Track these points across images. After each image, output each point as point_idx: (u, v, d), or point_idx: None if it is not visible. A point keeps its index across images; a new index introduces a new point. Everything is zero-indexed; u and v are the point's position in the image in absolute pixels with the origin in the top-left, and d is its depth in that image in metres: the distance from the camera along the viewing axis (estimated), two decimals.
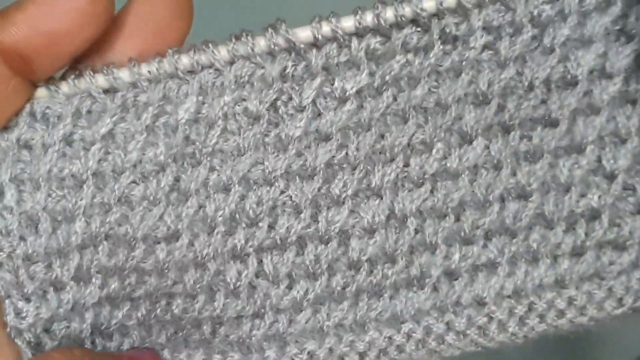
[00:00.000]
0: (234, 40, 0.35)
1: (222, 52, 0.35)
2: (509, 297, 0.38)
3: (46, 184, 0.34)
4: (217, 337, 0.38)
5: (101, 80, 0.35)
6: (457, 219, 0.37)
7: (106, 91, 0.35)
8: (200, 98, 0.35)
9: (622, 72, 0.36)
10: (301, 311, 0.38)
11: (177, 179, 0.36)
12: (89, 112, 0.35)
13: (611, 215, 0.38)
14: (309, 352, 0.37)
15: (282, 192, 0.37)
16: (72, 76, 0.35)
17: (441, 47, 0.35)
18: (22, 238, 0.34)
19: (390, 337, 0.38)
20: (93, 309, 0.36)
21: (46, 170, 0.34)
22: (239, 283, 0.37)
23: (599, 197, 0.37)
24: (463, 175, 0.37)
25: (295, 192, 0.37)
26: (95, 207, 0.35)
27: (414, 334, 0.38)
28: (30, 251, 0.34)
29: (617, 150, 0.37)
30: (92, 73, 0.34)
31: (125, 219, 0.36)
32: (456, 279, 0.38)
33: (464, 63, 0.36)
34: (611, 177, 0.37)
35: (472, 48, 0.36)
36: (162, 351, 0.38)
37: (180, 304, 0.37)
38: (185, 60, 0.35)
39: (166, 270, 0.37)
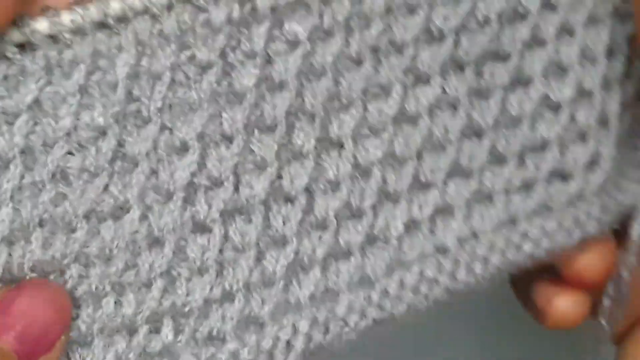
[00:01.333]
0: None
1: None
2: (468, 240, 0.37)
3: None
4: (181, 336, 0.32)
5: (15, 35, 0.29)
6: (418, 164, 0.36)
7: (21, 49, 0.29)
8: (140, 49, 0.30)
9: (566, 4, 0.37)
10: (273, 285, 0.34)
11: (121, 144, 0.31)
12: (4, 77, 0.29)
13: (559, 145, 0.38)
14: (293, 326, 0.34)
15: (244, 147, 0.33)
16: None
17: None
18: None
19: (368, 297, 0.35)
20: None
21: None
22: (205, 257, 0.32)
23: (548, 128, 0.38)
24: (422, 118, 0.35)
25: (259, 145, 0.33)
26: (24, 189, 0.29)
27: (389, 290, 0.35)
28: None
29: (561, 82, 0.37)
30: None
31: (62, 197, 0.30)
32: (416, 228, 0.36)
33: None
34: (557, 108, 0.38)
35: None
36: None
37: (133, 298, 0.31)
38: (115, 6, 0.30)
39: (115, 252, 0.31)
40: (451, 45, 0.35)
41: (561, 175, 0.38)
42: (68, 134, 0.30)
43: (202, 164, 0.32)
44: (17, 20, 0.28)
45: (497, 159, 0.37)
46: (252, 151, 0.33)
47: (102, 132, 0.30)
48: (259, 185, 0.33)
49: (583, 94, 0.38)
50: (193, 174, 0.32)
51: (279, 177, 0.33)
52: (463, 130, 0.36)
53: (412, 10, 0.34)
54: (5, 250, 0.29)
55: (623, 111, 0.39)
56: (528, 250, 0.38)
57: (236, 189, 0.33)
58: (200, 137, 0.32)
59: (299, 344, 0.34)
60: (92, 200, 0.30)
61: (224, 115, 0.32)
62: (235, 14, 0.31)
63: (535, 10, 0.36)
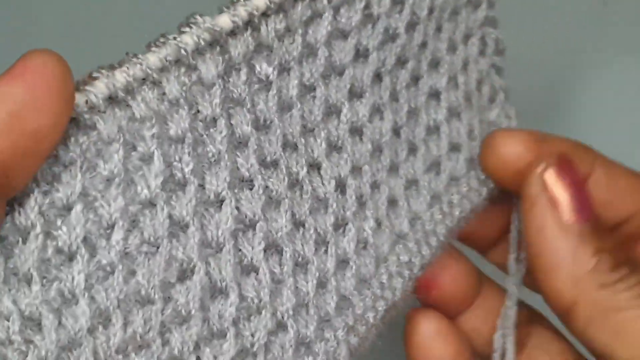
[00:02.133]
0: (160, 45, 0.32)
1: (154, 61, 0.31)
2: (415, 221, 0.43)
3: (37, 272, 0.28)
4: None
5: None
6: (371, 168, 0.40)
7: None
8: (156, 117, 0.31)
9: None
10: (309, 304, 0.37)
11: (170, 210, 0.32)
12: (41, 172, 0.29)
13: (447, 124, 0.45)
14: (335, 337, 0.38)
15: (264, 186, 0.35)
16: None
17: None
18: (29, 342, 0.27)
19: (372, 293, 0.40)
20: None
21: (35, 258, 0.28)
22: (260, 295, 0.34)
23: (435, 112, 0.45)
24: (365, 127, 0.40)
25: (272, 181, 0.36)
26: (94, 276, 0.29)
27: (384, 281, 0.40)
28: (43, 354, 0.28)
29: (437, 72, 0.45)
30: None
31: (132, 274, 0.30)
32: (383, 224, 0.41)
33: (351, 25, 0.38)
34: (437, 94, 0.45)
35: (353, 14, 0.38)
36: None
37: (210, 352, 0.33)
38: (120, 78, 0.30)
39: (191, 314, 0.32)
40: (375, 59, 0.40)
41: (454, 147, 0.45)
42: (122, 213, 0.30)
43: (237, 210, 0.34)
44: None
45: (412, 149, 0.43)
46: (268, 188, 0.35)
47: (151, 204, 0.31)
48: (282, 219, 0.35)
49: (450, 80, 0.45)
50: (235, 220, 0.33)
51: (292, 206, 0.36)
52: (393, 130, 0.42)
53: (345, 35, 0.38)
54: (90, 341, 0.29)
55: (479, 85, 0.47)
56: (458, 213, 0.44)
57: (268, 226, 0.35)
58: (230, 185, 0.33)
59: (343, 351, 0.37)
60: (162, 269, 0.31)
61: (239, 160, 0.34)
62: (220, 67, 0.33)
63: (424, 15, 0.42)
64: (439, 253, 0.43)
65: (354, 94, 0.39)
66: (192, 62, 0.32)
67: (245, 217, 0.34)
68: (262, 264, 0.35)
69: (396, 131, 0.42)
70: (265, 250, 0.35)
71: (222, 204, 0.33)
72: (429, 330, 0.44)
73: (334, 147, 0.38)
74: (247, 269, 0.34)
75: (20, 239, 0.28)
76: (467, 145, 0.46)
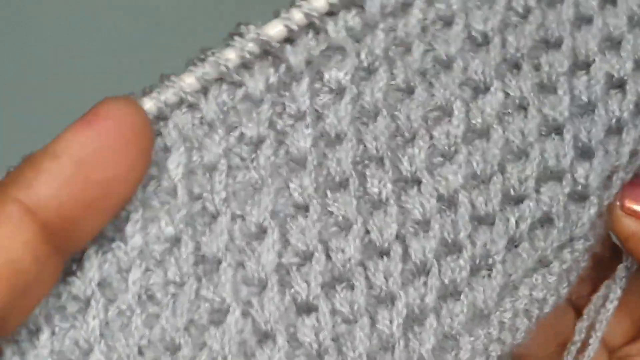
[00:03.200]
0: (198, 63, 0.29)
1: (189, 81, 0.29)
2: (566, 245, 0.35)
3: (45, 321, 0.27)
4: None
5: None
6: (504, 178, 0.33)
7: None
8: (188, 144, 0.29)
9: None
10: (394, 348, 0.31)
11: (197, 246, 0.29)
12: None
13: (632, 123, 0.35)
14: None
15: (322, 212, 0.30)
16: None
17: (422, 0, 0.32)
18: None
19: (488, 333, 0.33)
20: None
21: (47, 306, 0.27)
22: (321, 338, 0.30)
23: (619, 106, 0.35)
24: (493, 128, 0.33)
25: (336, 206, 0.31)
26: (112, 322, 0.28)
27: (505, 320, 0.34)
28: None
29: (618, 55, 0.35)
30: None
31: (154, 318, 0.28)
32: (517, 246, 0.33)
33: (453, 7, 0.32)
34: (622, 84, 0.35)
35: None
36: None
37: None
38: (149, 105, 0.28)
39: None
40: (499, 45, 0.33)
41: (633, 154, 0.36)
42: (141, 252, 0.28)
43: (285, 242, 0.30)
44: None
45: (583, 151, 0.34)
46: (331, 213, 0.31)
47: (176, 240, 0.29)
48: (350, 247, 0.31)
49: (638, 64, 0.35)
50: (279, 255, 0.30)
51: (367, 232, 0.31)
52: (540, 130, 0.34)
53: (448, 22, 0.32)
54: None
55: None
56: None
57: (328, 257, 0.31)
58: (274, 214, 0.30)
59: None
60: (188, 309, 0.28)
61: (291, 185, 0.30)
62: (272, 79, 0.30)
63: None
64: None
65: (473, 89, 0.33)
66: (236, 79, 0.29)
67: (297, 249, 0.30)
68: (322, 301, 0.30)
69: (555, 129, 0.34)
70: (325, 286, 0.30)
71: (264, 236, 0.30)
72: None
73: (442, 157, 0.33)
74: (304, 309, 0.30)
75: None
76: None
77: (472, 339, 0.33)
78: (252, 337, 0.29)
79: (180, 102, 0.29)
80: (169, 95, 0.28)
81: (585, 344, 0.39)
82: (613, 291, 0.39)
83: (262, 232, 0.30)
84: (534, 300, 0.34)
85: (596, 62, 0.34)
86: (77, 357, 0.27)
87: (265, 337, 0.29)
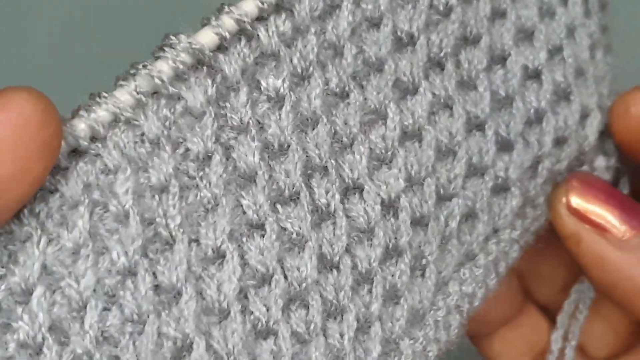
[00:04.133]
0: (130, 78, 0.27)
1: (124, 98, 0.27)
2: (490, 237, 0.36)
3: None
4: None
5: None
6: (436, 179, 0.33)
7: None
8: (132, 165, 0.26)
9: None
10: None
11: (154, 278, 0.27)
12: None
13: (552, 111, 0.36)
14: None
15: (278, 230, 0.29)
16: None
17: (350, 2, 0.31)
18: None
19: (425, 334, 0.33)
20: None
21: None
22: None
23: (537, 97, 0.36)
24: (425, 129, 0.33)
25: (290, 222, 0.29)
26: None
27: (439, 319, 0.34)
28: None
29: (532, 46, 0.36)
30: None
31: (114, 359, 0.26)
32: (448, 242, 0.34)
33: (381, 8, 0.32)
34: (536, 75, 0.36)
35: None
36: None
37: None
38: (82, 127, 0.26)
39: None
40: (425, 45, 0.33)
41: (560, 142, 0.37)
42: (95, 290, 0.25)
43: (243, 265, 0.28)
44: None
45: (503, 145, 0.35)
46: (285, 230, 0.29)
47: (131, 273, 0.26)
48: (307, 265, 0.29)
49: (553, 52, 0.36)
50: (240, 280, 0.28)
51: (320, 246, 0.30)
52: (466, 128, 0.34)
53: (376, 23, 0.32)
54: None
55: (592, 52, 0.38)
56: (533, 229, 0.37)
57: (285, 277, 0.29)
58: (231, 236, 0.28)
59: None
60: (151, 350, 0.26)
61: (244, 202, 0.28)
62: (210, 90, 0.28)
63: None
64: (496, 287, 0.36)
65: (404, 91, 0.33)
66: (173, 92, 0.27)
67: (256, 271, 0.29)
68: (281, 325, 0.29)
69: (478, 126, 0.35)
70: (284, 309, 0.29)
71: (223, 260, 0.28)
72: None
73: (380, 162, 0.32)
74: (263, 335, 0.29)
75: None
76: (575, 138, 0.37)
77: (411, 341, 0.32)
78: None
79: (116, 121, 0.27)
80: (101, 113, 0.26)
81: (562, 353, 0.39)
82: (582, 300, 0.39)
83: (219, 256, 0.28)
84: (464, 295, 0.34)
85: (512, 55, 0.35)
86: None
87: None
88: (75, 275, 0.25)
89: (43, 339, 0.24)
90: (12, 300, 0.24)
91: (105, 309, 0.26)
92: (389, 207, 0.32)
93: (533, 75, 0.36)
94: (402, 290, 0.32)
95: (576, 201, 0.36)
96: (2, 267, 0.24)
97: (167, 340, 0.26)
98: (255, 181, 0.29)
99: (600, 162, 0.38)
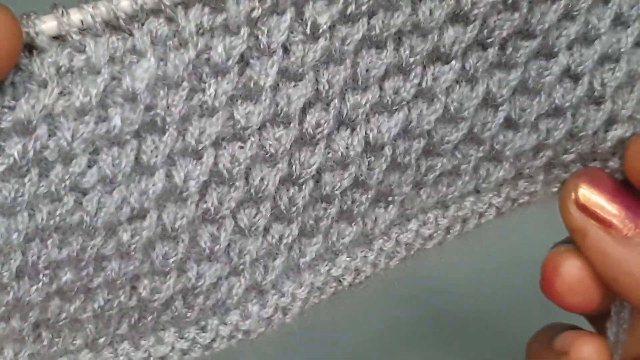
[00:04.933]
0: None
1: None
2: (464, 196, 0.39)
3: None
4: (191, 310, 0.34)
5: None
6: (429, 137, 0.36)
7: (29, 52, 0.28)
8: (157, 54, 0.29)
9: None
10: (277, 256, 0.35)
11: (137, 152, 0.31)
12: (12, 84, 0.28)
13: (572, 109, 0.38)
14: (291, 294, 0.36)
15: (257, 147, 0.33)
16: None
17: None
18: None
19: (364, 256, 0.37)
20: (38, 306, 0.31)
21: None
22: (216, 247, 0.33)
23: (563, 96, 0.37)
24: (438, 97, 0.35)
25: (270, 143, 0.33)
26: (40, 197, 0.29)
27: (385, 248, 0.37)
28: None
29: (584, 51, 0.36)
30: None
31: (78, 207, 0.30)
32: (421, 189, 0.37)
33: None
34: (576, 78, 0.37)
35: None
36: (122, 343, 0.34)
37: (148, 284, 0.33)
38: (125, 4, 0.29)
39: (132, 252, 0.32)
40: (478, 28, 0.34)
41: (573, 138, 0.38)
42: (84, 148, 0.29)
43: (214, 165, 0.32)
44: (22, 19, 0.28)
45: (511, 125, 0.37)
46: (263, 147, 0.33)
47: (120, 144, 0.30)
48: (269, 179, 0.33)
49: (606, 60, 0.37)
50: (207, 177, 0.32)
51: (290, 165, 0.34)
52: (480, 105, 0.36)
53: None
54: (20, 254, 0.29)
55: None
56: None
57: (247, 183, 0.33)
58: (214, 142, 0.32)
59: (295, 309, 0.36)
60: (111, 212, 0.30)
61: (237, 117, 0.32)
62: (256, 12, 0.30)
63: None
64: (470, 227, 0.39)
65: (436, 58, 0.34)
66: (219, 4, 0.30)
67: (223, 174, 0.32)
68: (227, 220, 0.33)
69: (493, 104, 0.36)
70: (236, 208, 0.33)
71: (199, 160, 0.32)
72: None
73: (384, 109, 0.34)
74: (208, 222, 0.33)
75: None
76: (593, 139, 0.39)
77: (348, 258, 0.37)
78: (158, 238, 0.33)
79: (160, 11, 0.29)
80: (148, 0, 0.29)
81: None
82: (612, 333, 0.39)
83: (198, 154, 0.32)
84: (420, 236, 0.38)
85: (560, 57, 0.36)
86: None
87: (168, 239, 0.33)
88: (73, 130, 0.29)
89: (27, 170, 0.28)
90: (12, 130, 0.28)
91: (87, 165, 0.29)
92: (372, 150, 0.35)
93: (572, 76, 0.37)
94: (356, 216, 0.36)
95: (584, 197, 0.37)
96: (14, 100, 0.28)
97: (127, 207, 0.31)
98: (257, 100, 0.31)
99: (614, 164, 0.39)
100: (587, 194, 0.37)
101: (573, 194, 0.37)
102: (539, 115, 0.37)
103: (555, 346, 0.38)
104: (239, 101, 0.31)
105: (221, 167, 0.32)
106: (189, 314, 0.35)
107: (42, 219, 0.29)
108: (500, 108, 0.36)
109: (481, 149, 0.37)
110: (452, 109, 0.35)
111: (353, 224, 0.36)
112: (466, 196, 0.39)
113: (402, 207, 0.37)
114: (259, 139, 0.32)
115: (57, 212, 0.29)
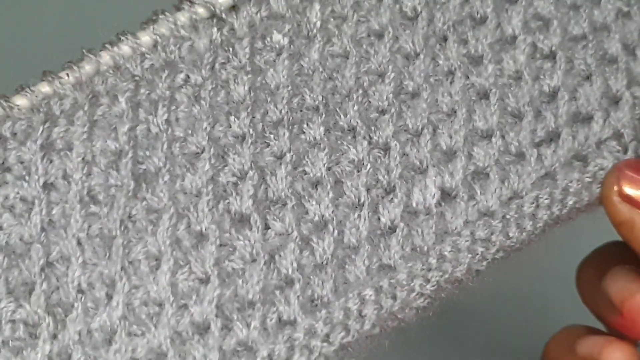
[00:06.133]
0: (152, 22, 0.33)
1: (144, 39, 0.33)
2: (511, 199, 0.36)
3: None
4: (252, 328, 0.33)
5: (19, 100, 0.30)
6: (434, 135, 0.36)
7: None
8: (133, 85, 0.33)
9: None
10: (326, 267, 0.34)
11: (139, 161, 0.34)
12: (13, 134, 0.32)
13: (566, 89, 0.38)
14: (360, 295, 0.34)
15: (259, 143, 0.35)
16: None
17: None
18: None
19: (426, 262, 0.35)
20: None
21: None
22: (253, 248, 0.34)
23: (550, 77, 0.38)
24: (422, 92, 0.36)
25: (277, 141, 0.35)
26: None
27: (445, 254, 0.35)
28: None
29: (545, 31, 0.38)
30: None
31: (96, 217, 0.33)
32: (455, 197, 0.36)
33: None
34: (552, 55, 0.38)
35: None
36: None
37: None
38: (106, 58, 0.32)
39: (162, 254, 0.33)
40: (426, 20, 0.37)
41: (582, 119, 0.38)
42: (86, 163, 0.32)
43: (218, 167, 0.34)
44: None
45: (512, 117, 0.37)
46: (268, 145, 0.35)
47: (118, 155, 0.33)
48: (283, 180, 0.34)
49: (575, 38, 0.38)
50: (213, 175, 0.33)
51: (298, 166, 0.35)
52: (468, 95, 0.37)
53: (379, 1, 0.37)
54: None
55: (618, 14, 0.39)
56: (571, 203, 0.37)
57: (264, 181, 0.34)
58: (214, 140, 0.34)
59: (369, 311, 0.34)
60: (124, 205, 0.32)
61: (233, 122, 0.34)
62: (216, 37, 0.34)
63: None
64: (535, 240, 0.37)
65: (405, 57, 0.37)
66: (185, 34, 0.34)
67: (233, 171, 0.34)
68: (255, 214, 0.34)
69: (482, 94, 0.37)
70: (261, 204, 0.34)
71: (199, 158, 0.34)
72: None
73: (375, 110, 0.36)
74: (237, 220, 0.34)
75: None
76: (602, 114, 0.38)
77: (408, 266, 0.35)
78: (187, 239, 0.33)
79: (134, 51, 0.33)
80: (123, 47, 0.32)
81: None
82: None
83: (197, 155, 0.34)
84: (477, 240, 0.36)
85: (520, 39, 0.38)
86: (22, 251, 0.31)
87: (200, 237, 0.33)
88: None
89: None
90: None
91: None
92: (380, 148, 0.36)
93: (548, 56, 0.38)
94: (398, 222, 0.35)
95: (629, 188, 0.36)
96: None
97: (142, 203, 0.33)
98: (238, 109, 0.34)
99: None
100: (631, 184, 0.36)
101: (615, 186, 0.36)
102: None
103: (580, 351, 0.37)
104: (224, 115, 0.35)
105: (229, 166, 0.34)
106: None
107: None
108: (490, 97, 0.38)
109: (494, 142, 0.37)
110: (443, 104, 0.37)
111: (397, 231, 0.35)
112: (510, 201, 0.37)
113: (443, 221, 0.36)
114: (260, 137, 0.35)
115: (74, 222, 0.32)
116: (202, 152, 0.34)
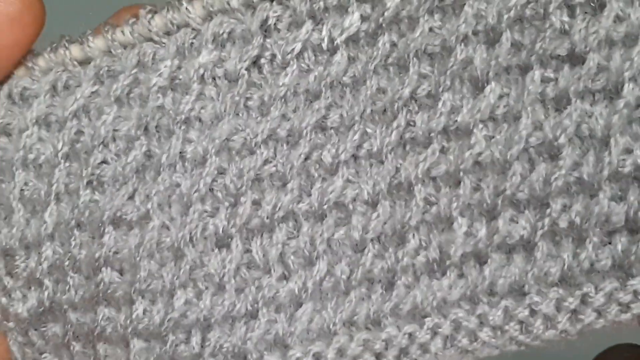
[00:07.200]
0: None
1: (197, 8, 0.33)
2: (555, 285, 0.32)
3: (21, 172, 0.32)
4: (207, 346, 0.33)
5: (75, 50, 0.32)
6: (476, 185, 0.32)
7: (84, 63, 0.33)
8: (177, 62, 0.33)
9: None
10: (301, 305, 0.33)
11: (148, 155, 0.33)
12: (65, 87, 0.33)
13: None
14: (314, 355, 0.33)
15: (265, 162, 0.33)
16: (49, 49, 0.33)
17: None
18: None
19: (411, 334, 0.33)
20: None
21: (20, 157, 0.32)
22: (223, 272, 0.33)
23: None
24: (476, 130, 0.32)
25: (281, 160, 0.33)
26: (65, 193, 0.33)
27: (439, 330, 0.33)
28: (3, 244, 0.33)
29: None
30: (66, 44, 0.32)
31: (95, 204, 0.33)
32: (485, 262, 0.32)
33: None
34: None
35: None
36: None
37: (161, 308, 0.33)
38: (158, 21, 0.33)
39: (139, 260, 0.33)
40: (508, 44, 0.32)
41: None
42: (104, 144, 0.33)
43: (219, 177, 0.33)
44: (79, 37, 0.32)
45: (583, 187, 0.32)
46: (274, 165, 0.33)
47: (132, 142, 0.33)
48: (279, 201, 0.33)
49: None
50: (208, 187, 0.33)
51: (307, 193, 0.33)
52: (532, 148, 0.32)
53: (461, 6, 0.32)
54: (50, 247, 0.33)
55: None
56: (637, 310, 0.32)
57: (256, 203, 0.33)
58: (221, 149, 0.33)
59: None
60: (118, 209, 0.33)
61: (247, 129, 0.33)
62: (271, 22, 0.32)
63: None
64: None
65: (471, 83, 0.32)
66: (237, 15, 0.33)
67: (229, 188, 0.34)
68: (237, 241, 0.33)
69: (550, 152, 0.32)
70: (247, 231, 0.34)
71: (204, 166, 0.34)
72: None
73: (416, 142, 0.33)
74: (217, 243, 0.34)
75: (18, 136, 0.33)
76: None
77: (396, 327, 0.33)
78: (166, 252, 0.33)
79: (186, 25, 0.33)
80: (176, 15, 0.33)
81: None
82: None
83: (204, 161, 0.33)
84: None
85: (626, 91, 0.31)
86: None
87: (176, 256, 0.33)
88: (96, 125, 0.33)
89: (57, 162, 0.33)
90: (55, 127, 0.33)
91: (104, 162, 0.33)
92: (403, 188, 0.33)
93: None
94: (401, 274, 0.33)
95: None
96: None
97: (132, 206, 0.33)
98: (268, 113, 0.33)
99: None
100: None
101: None
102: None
103: None
104: (252, 113, 0.34)
105: (228, 180, 0.33)
106: (204, 353, 0.33)
107: (68, 214, 0.33)
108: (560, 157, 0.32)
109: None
110: (496, 150, 0.33)
111: (395, 288, 0.33)
112: (552, 286, 0.32)
113: (464, 282, 0.33)
114: (269, 155, 0.33)
115: (77, 205, 0.33)
116: (205, 163, 0.33)
